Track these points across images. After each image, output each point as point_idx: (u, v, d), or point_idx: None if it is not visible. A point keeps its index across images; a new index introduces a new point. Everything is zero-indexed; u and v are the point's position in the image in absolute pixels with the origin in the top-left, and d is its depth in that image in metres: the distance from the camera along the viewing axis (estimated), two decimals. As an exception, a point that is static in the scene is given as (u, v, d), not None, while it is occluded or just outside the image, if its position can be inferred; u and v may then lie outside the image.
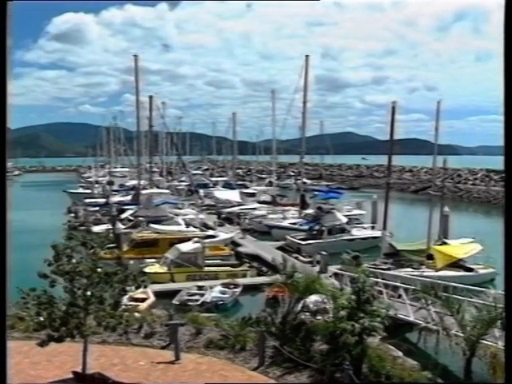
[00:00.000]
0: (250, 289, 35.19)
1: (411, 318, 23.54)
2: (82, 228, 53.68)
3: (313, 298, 20.99)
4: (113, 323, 14.66)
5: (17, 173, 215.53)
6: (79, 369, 15.12)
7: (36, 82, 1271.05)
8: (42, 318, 14.51)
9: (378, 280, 25.92)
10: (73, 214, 69.17)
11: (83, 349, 15.20)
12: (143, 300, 29.88)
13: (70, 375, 15.25)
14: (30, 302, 14.61)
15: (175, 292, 33.01)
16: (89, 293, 14.49)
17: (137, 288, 17.09)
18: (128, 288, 15.87)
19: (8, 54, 8.49)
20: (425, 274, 31.54)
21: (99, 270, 14.76)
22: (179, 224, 52.52)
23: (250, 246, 48.36)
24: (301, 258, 42.44)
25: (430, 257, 35.44)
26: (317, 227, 49.81)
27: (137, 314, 18.71)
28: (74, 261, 14.69)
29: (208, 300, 31.53)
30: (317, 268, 36.92)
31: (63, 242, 15.18)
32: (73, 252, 14.90)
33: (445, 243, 38.72)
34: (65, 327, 14.37)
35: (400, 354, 17.85)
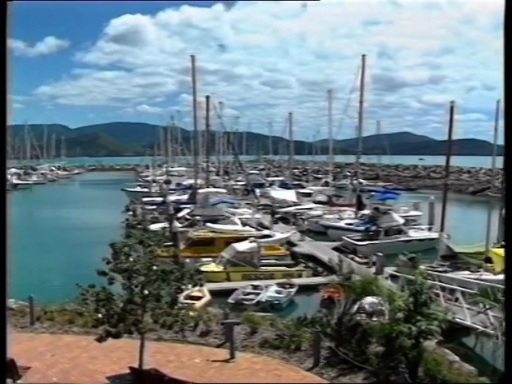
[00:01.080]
0: (306, 289, 35.09)
1: (468, 322, 23.05)
2: (140, 226, 54.34)
3: (369, 299, 20.78)
4: (169, 321, 14.81)
5: (76, 171, 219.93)
6: (136, 364, 15.35)
7: (95, 83, 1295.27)
8: (100, 315, 14.77)
9: (435, 282, 25.49)
10: (131, 212, 70.08)
11: (140, 345, 15.43)
12: (199, 298, 30.12)
13: (127, 370, 15.49)
14: (89, 298, 14.90)
15: (230, 291, 33.15)
16: (146, 290, 14.67)
17: (193, 286, 17.20)
18: (184, 286, 16.00)
19: (8, 54, 8.50)
20: (483, 277, 30.85)
21: (156, 267, 14.92)
22: (235, 223, 52.72)
23: (305, 246, 48.24)
24: (357, 258, 42.15)
25: (489, 260, 34.67)
26: (373, 228, 49.40)
27: (193, 313, 18.81)
28: (131, 259, 14.90)
29: (263, 299, 31.57)
30: (373, 269, 36.59)
31: (121, 241, 15.40)
32: (130, 250, 15.11)
33: (504, 246, 37.80)
34: (122, 323, 14.60)
35: (457, 358, 17.52)
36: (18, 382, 15.14)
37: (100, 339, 15.09)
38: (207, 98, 69.25)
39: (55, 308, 22.38)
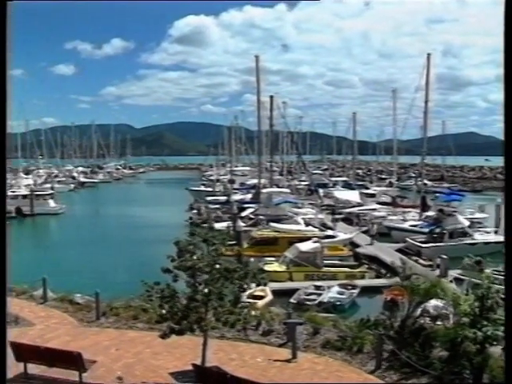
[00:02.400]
0: (368, 290, 34.83)
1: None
2: (204, 225, 54.88)
3: (433, 302, 20.48)
4: (232, 319, 14.91)
5: (141, 170, 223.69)
6: (198, 362, 15.51)
7: (159, 83, 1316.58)
8: (164, 311, 15.01)
9: (502, 287, 24.91)
10: (195, 211, 70.84)
11: (203, 343, 15.60)
12: (261, 298, 30.25)
13: (190, 367, 15.64)
14: (154, 295, 15.16)
15: (292, 291, 33.19)
16: (209, 288, 14.82)
17: (257, 286, 17.28)
18: (247, 285, 16.09)
19: (8, 53, 8.48)
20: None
21: (219, 266, 15.05)
22: (299, 223, 52.70)
23: (369, 247, 47.87)
24: (421, 261, 41.63)
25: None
26: (438, 230, 48.63)
27: (255, 312, 18.92)
28: (195, 257, 15.07)
29: (325, 300, 31.49)
30: (437, 272, 36.08)
31: (186, 239, 15.59)
32: (195, 248, 15.29)
33: None
34: (186, 321, 14.79)
35: (525, 366, 17.07)
36: (84, 375, 15.51)
37: (163, 336, 15.32)
38: (271, 97, 69.52)
39: (120, 304, 22.85)
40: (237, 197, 75.44)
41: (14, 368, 16.43)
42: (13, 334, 19.70)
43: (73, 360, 15.40)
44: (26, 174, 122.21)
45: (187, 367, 15.92)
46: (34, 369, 16.37)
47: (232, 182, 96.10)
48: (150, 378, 15.92)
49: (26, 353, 16.47)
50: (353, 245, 48.29)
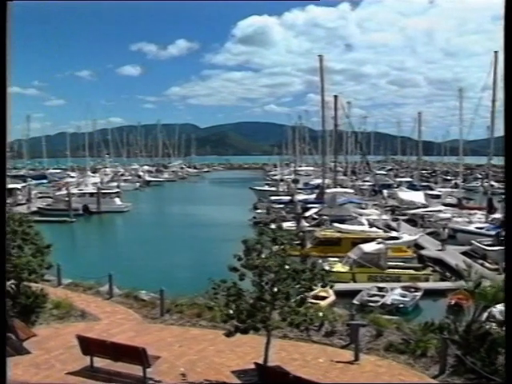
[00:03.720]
0: (432, 293, 34.32)
1: None
2: (267, 224, 54.96)
3: (499, 307, 20.05)
4: (297, 320, 14.90)
5: (206, 169, 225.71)
6: (260, 360, 15.58)
7: (223, 84, 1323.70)
8: (231, 310, 15.11)
9: None
10: (259, 211, 71.10)
11: (266, 342, 15.65)
12: (324, 298, 30.18)
13: (252, 366, 15.73)
14: (220, 293, 15.29)
15: (355, 292, 32.98)
16: (276, 288, 14.85)
17: (322, 287, 17.21)
18: (315, 286, 16.05)
19: (8, 53, 8.39)
20: None
21: (287, 266, 15.06)
22: (362, 224, 52.35)
23: (434, 249, 47.15)
24: (486, 264, 40.72)
25: None
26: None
27: (320, 313, 18.87)
28: (263, 256, 15.12)
29: (388, 302, 31.19)
30: (503, 276, 35.21)
31: (253, 237, 15.66)
32: (262, 247, 15.34)
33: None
34: (251, 320, 14.87)
35: None
36: (148, 370, 15.76)
37: (229, 334, 15.45)
38: (335, 97, 69.22)
39: (184, 301, 23.13)
40: (300, 197, 75.36)
41: (80, 361, 16.89)
42: (79, 328, 20.29)
43: (137, 355, 15.68)
44: (93, 172, 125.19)
45: (249, 366, 16.01)
46: (99, 362, 16.76)
47: (296, 181, 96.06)
48: (212, 376, 16.06)
49: (93, 346, 16.87)
50: (417, 247, 47.61)
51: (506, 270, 7.97)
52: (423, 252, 45.44)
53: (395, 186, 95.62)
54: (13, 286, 22.12)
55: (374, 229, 50.10)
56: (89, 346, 16.85)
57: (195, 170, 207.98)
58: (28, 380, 16.14)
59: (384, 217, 58.66)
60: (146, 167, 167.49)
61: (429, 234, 53.23)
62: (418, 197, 73.28)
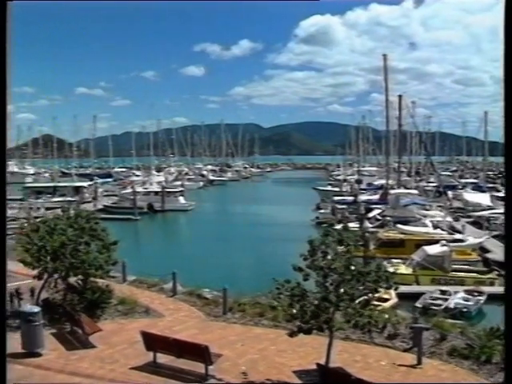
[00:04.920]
0: (496, 298, 33.50)
1: None
2: (331, 225, 54.65)
3: None
4: (362, 322, 14.81)
5: (269, 169, 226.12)
6: (322, 361, 15.54)
7: (286, 83, 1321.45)
8: (294, 310, 15.12)
9: None
10: (322, 211, 70.87)
11: (328, 343, 15.60)
12: (386, 300, 29.84)
13: (313, 366, 15.70)
14: (284, 293, 15.32)
15: (417, 294, 32.52)
16: (341, 289, 14.78)
17: (387, 289, 17.03)
18: (380, 288, 15.90)
19: (8, 53, 8.38)
20: None
21: (352, 267, 14.99)
22: (426, 226, 51.56)
23: (500, 252, 46.03)
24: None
25: None
26: None
27: (384, 315, 18.69)
28: (328, 257, 15.09)
29: (451, 306, 30.63)
30: None
31: (319, 238, 15.63)
32: (327, 248, 15.30)
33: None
34: (314, 320, 14.85)
35: None
36: (210, 367, 15.92)
37: (292, 334, 15.48)
38: (400, 97, 68.40)
39: (247, 300, 23.26)
40: (364, 197, 74.79)
41: (143, 356, 17.20)
42: (143, 324, 20.65)
43: (200, 352, 15.86)
44: (158, 171, 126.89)
45: (311, 366, 16.00)
46: (162, 358, 17.02)
47: (359, 182, 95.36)
48: (273, 375, 16.11)
49: (156, 343, 17.17)
50: (482, 250, 46.59)
51: (506, 271, 7.82)
52: (488, 255, 44.42)
53: (460, 187, 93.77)
54: (80, 281, 22.67)
55: (438, 230, 49.30)
56: (152, 342, 17.16)
57: (258, 170, 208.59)
58: (93, 373, 16.52)
59: (448, 218, 57.62)
60: (209, 166, 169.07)
61: (494, 236, 51.96)
62: (483, 198, 71.74)
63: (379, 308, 23.60)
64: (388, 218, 53.03)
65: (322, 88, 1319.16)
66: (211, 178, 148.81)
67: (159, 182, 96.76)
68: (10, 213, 65.34)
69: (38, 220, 30.17)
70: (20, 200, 77.34)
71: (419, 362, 17.18)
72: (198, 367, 16.06)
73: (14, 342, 18.89)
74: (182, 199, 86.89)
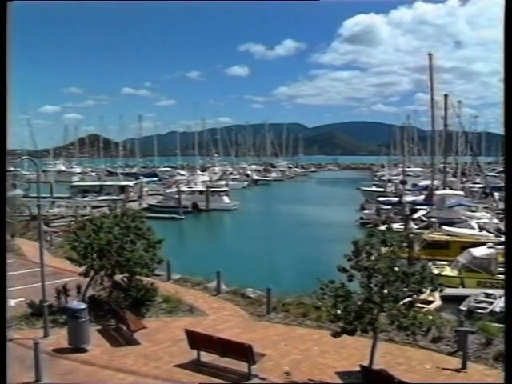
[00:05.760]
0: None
1: None
2: (375, 225, 54.37)
3: None
4: (406, 323, 14.71)
5: (313, 169, 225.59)
6: (365, 363, 15.50)
7: (330, 83, 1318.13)
8: (338, 311, 15.12)
9: None
10: (366, 211, 70.47)
11: (372, 344, 15.55)
12: (429, 303, 29.53)
13: (356, 368, 15.68)
14: (328, 293, 15.32)
15: (461, 297, 32.09)
16: (385, 290, 14.72)
17: (432, 290, 16.88)
18: (425, 289, 15.78)
19: (8, 53, 8.42)
20: None
21: (397, 268, 14.92)
22: (472, 227, 50.81)
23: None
24: None
25: None
26: None
27: (429, 317, 18.51)
28: (372, 257, 15.04)
29: (497, 309, 30.13)
30: None
31: (363, 238, 15.60)
32: (372, 249, 15.25)
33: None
34: (358, 321, 14.82)
35: None
36: (253, 367, 15.99)
37: (335, 335, 15.48)
38: (445, 96, 67.49)
39: (290, 300, 23.31)
40: (409, 198, 73.97)
41: (187, 354, 17.38)
42: (187, 322, 20.85)
43: (243, 352, 15.96)
44: (203, 170, 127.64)
45: (354, 368, 15.98)
46: (205, 357, 17.18)
47: (404, 182, 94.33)
48: (316, 376, 16.13)
49: (200, 341, 17.33)
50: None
51: (506, 269, 7.72)
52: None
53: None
54: (125, 279, 23.01)
55: (485, 232, 48.55)
56: (196, 340, 17.33)
57: (302, 170, 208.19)
58: (138, 369, 16.75)
59: (495, 220, 56.65)
60: (253, 166, 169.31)
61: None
62: (532, 200, 70.25)
63: (425, 310, 23.41)
64: (433, 220, 52.41)
65: (367, 87, 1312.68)
66: (255, 177, 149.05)
67: (204, 182, 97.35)
68: (57, 211, 66.77)
69: (85, 218, 30.64)
70: (67, 198, 78.72)
71: (464, 366, 16.97)
72: (241, 366, 16.17)
73: (60, 337, 19.33)
74: (226, 199, 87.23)
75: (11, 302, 24.71)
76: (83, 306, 19.04)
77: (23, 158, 70.32)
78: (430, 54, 63.88)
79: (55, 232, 48.02)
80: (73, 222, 52.89)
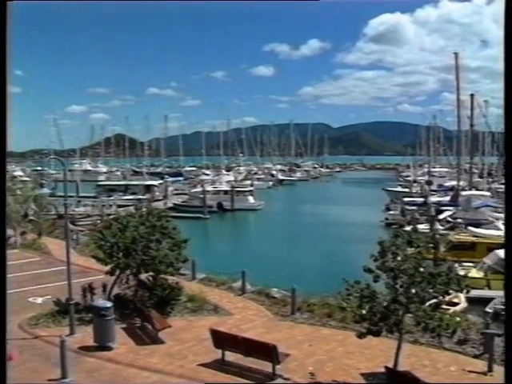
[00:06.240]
0: None
1: None
2: (400, 226, 54.07)
3: None
4: (432, 324, 14.61)
5: (338, 169, 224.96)
6: (390, 364, 15.43)
7: (355, 83, 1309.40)
8: (364, 311, 15.07)
9: None
10: (391, 212, 70.11)
11: (397, 346, 15.48)
12: (455, 304, 29.32)
13: (381, 369, 15.62)
14: (353, 294, 15.29)
15: (486, 299, 31.81)
16: (411, 291, 14.64)
17: (458, 292, 16.75)
18: (451, 291, 15.68)
19: (8, 53, 8.37)
20: None
21: (422, 269, 14.83)
22: (499, 229, 50.30)
23: None
24: None
25: None
26: None
27: (455, 319, 18.37)
28: (398, 258, 14.98)
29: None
30: None
31: (389, 239, 15.53)
32: (397, 249, 15.18)
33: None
34: (383, 322, 14.76)
35: None
36: (278, 367, 16.00)
37: (360, 335, 15.45)
38: (472, 96, 67.11)
39: (315, 300, 23.28)
40: (434, 199, 73.45)
41: (211, 354, 17.44)
42: (212, 322, 20.92)
43: (268, 352, 15.98)
44: (228, 170, 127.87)
45: (378, 369, 15.92)
46: (230, 356, 17.23)
47: (430, 183, 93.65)
48: (340, 377, 16.09)
49: (224, 340, 17.39)
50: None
51: (506, 270, 7.65)
52: None
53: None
54: (150, 278, 23.14)
55: (512, 234, 48.06)
56: (221, 339, 17.38)
57: (327, 170, 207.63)
58: (162, 368, 16.84)
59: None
60: (278, 166, 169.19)
61: None
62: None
63: (451, 312, 23.25)
64: (459, 220, 52.03)
65: (392, 87, 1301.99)
66: (280, 177, 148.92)
67: (229, 181, 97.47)
68: (83, 210, 67.34)
69: (111, 217, 30.87)
70: (93, 197, 79.38)
71: (490, 369, 16.80)
72: (266, 366, 16.19)
73: (86, 335, 19.51)
74: (251, 198, 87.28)
75: (38, 300, 25.05)
76: (109, 304, 19.20)
77: (50, 157, 71.33)
78: (455, 53, 63.42)
79: (81, 231, 48.46)
80: (99, 221, 53.31)
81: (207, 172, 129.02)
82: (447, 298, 27.96)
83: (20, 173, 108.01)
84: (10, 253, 37.54)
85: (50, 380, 15.93)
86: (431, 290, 14.87)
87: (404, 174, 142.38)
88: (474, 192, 66.11)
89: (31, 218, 45.44)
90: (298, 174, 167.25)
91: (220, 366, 16.91)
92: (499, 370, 16.80)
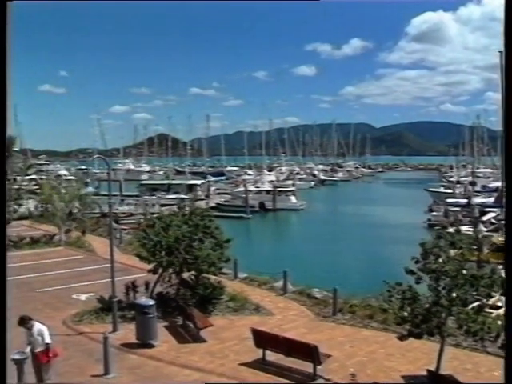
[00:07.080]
0: None
1: None
2: (443, 227, 53.42)
3: None
4: (474, 328, 14.42)
5: (380, 169, 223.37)
6: (431, 367, 15.29)
7: (397, 82, 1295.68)
8: (405, 313, 14.97)
9: None
10: (434, 213, 69.41)
11: (439, 349, 15.33)
12: (498, 308, 28.88)
13: (422, 372, 15.47)
14: (395, 295, 15.20)
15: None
16: (454, 294, 14.50)
17: (502, 295, 16.53)
18: (495, 293, 15.49)
19: (8, 53, 8.35)
20: None
21: (465, 271, 14.67)
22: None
23: None
24: None
25: None
26: None
27: (499, 322, 18.12)
28: (440, 260, 14.84)
29: None
30: None
31: (431, 240, 15.41)
32: (440, 251, 15.05)
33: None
34: (425, 325, 14.64)
35: None
36: (318, 367, 15.99)
37: (402, 338, 15.34)
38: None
39: (357, 302, 23.18)
40: (478, 200, 72.44)
41: (252, 353, 17.51)
42: (253, 321, 21.00)
43: (309, 352, 15.98)
44: (269, 170, 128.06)
45: (420, 372, 15.78)
46: (271, 356, 17.27)
47: (473, 184, 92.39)
48: (381, 379, 15.98)
49: (266, 340, 17.44)
50: None
51: (506, 269, 7.50)
52: None
53: None
54: (192, 276, 23.32)
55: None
56: (262, 339, 17.44)
57: (370, 170, 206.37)
58: (203, 366, 16.98)
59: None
60: (320, 166, 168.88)
61: None
62: None
63: (494, 315, 22.88)
64: (503, 222, 51.25)
65: (435, 87, 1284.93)
66: (322, 177, 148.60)
67: (271, 181, 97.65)
68: (126, 209, 68.21)
69: (154, 216, 31.18)
70: (136, 196, 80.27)
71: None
72: (307, 366, 16.18)
73: (128, 332, 19.78)
74: (293, 198, 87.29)
75: (82, 297, 25.46)
76: (151, 302, 19.40)
77: (94, 156, 72.45)
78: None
79: (124, 229, 49.03)
80: (142, 220, 53.84)
81: (249, 172, 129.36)
82: (490, 300, 27.70)
83: (65, 172, 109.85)
84: (54, 250, 38.38)
85: (93, 376, 16.19)
86: (474, 293, 14.68)
87: (447, 174, 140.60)
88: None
89: (76, 216, 46.14)
90: (340, 175, 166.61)
91: (261, 365, 16.96)
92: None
